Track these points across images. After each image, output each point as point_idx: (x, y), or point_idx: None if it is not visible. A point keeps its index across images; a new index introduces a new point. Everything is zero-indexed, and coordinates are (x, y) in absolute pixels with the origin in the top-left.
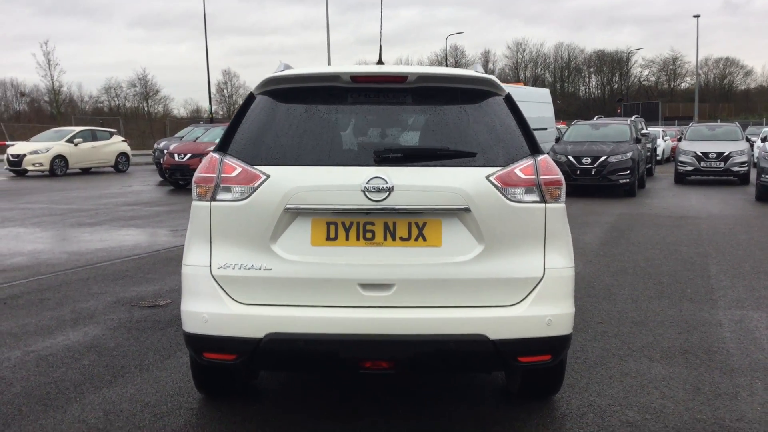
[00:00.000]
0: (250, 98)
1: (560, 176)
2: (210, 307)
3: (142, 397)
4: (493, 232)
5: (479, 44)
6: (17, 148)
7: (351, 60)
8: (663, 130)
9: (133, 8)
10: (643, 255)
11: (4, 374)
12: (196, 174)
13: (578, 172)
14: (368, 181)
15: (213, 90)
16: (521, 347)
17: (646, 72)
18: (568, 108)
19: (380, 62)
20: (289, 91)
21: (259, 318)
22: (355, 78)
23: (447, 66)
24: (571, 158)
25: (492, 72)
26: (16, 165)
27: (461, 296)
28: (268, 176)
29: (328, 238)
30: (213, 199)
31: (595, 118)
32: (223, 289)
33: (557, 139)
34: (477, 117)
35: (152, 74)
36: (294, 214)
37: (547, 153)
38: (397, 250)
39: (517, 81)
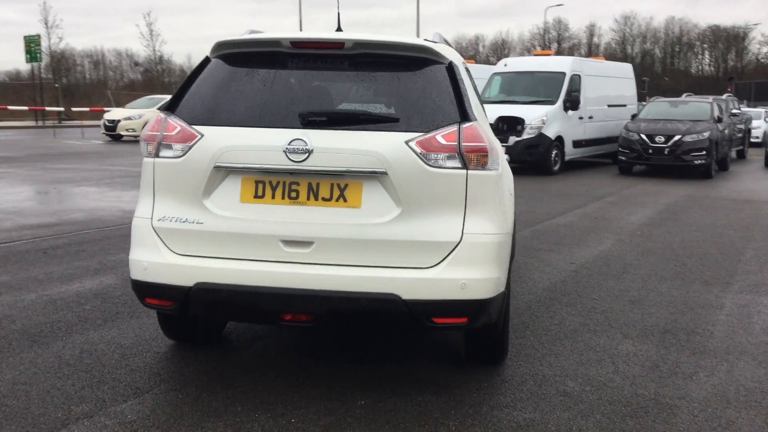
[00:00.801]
0: (205, 61)
1: (485, 144)
2: (149, 256)
3: (120, 340)
4: (410, 195)
5: (584, 17)
6: (113, 114)
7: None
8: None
9: None
10: (681, 237)
11: (11, 312)
12: (144, 132)
13: (650, 151)
14: (290, 142)
15: None
16: (434, 308)
17: (765, 49)
18: (677, 86)
19: (339, 29)
20: (237, 55)
21: (190, 268)
22: (295, 44)
23: (546, 40)
24: (643, 136)
25: (597, 47)
26: (111, 130)
27: (377, 256)
28: (202, 135)
29: (256, 196)
30: (156, 155)
31: (683, 96)
32: (162, 240)
33: (633, 117)
34: (410, 84)
35: None
36: (225, 172)
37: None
38: (318, 209)
39: (597, 55)
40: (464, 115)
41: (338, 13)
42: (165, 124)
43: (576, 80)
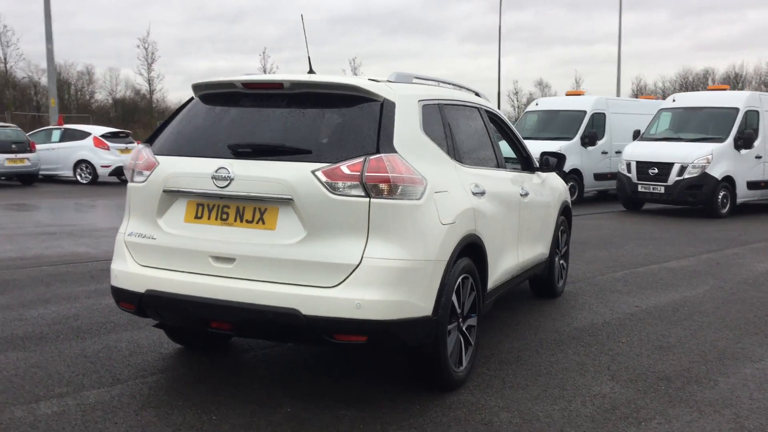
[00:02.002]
0: (190, 100)
1: (391, 175)
2: (120, 266)
3: (138, 341)
4: (315, 220)
5: None
6: None
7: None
8: None
9: (464, 24)
10: None
11: (78, 312)
12: (128, 160)
13: None
14: (216, 170)
15: (503, 101)
16: (333, 325)
17: None
18: None
19: (311, 71)
20: (206, 95)
21: (143, 277)
22: (245, 85)
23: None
24: None
25: None
26: None
27: (284, 274)
28: (158, 163)
29: (196, 217)
30: (131, 180)
31: None
32: (129, 252)
33: None
34: (336, 119)
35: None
36: (175, 195)
37: None
38: (242, 230)
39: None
40: (381, 148)
41: (309, 57)
42: (137, 154)
43: (753, 116)
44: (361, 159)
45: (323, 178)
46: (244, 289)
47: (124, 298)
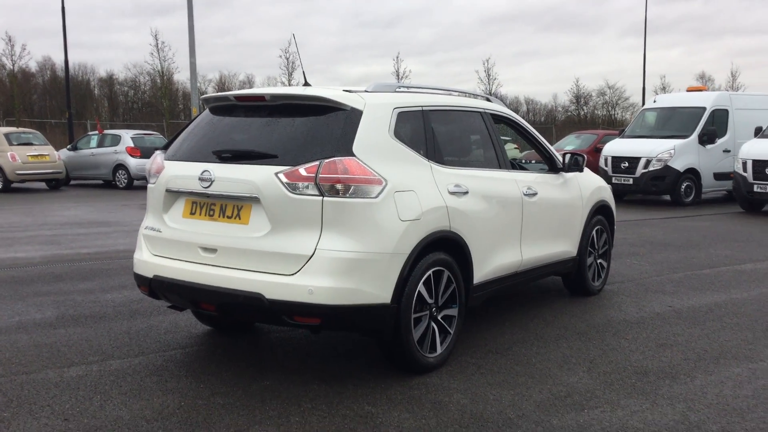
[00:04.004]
0: (204, 110)
1: (343, 176)
2: (138, 255)
3: (178, 322)
4: (277, 216)
5: None
6: None
7: None
8: None
9: (625, 18)
10: None
11: (143, 298)
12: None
13: None
14: (201, 173)
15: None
16: (291, 308)
17: None
18: None
19: (306, 84)
20: (213, 107)
21: (152, 264)
22: (237, 98)
23: None
24: None
25: None
26: None
27: (254, 263)
28: (164, 167)
29: (191, 213)
30: (148, 182)
31: None
32: (145, 243)
33: None
34: (305, 126)
35: (622, 82)
36: (175, 194)
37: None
38: (223, 224)
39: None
40: (337, 152)
41: (303, 71)
42: (153, 159)
43: (721, 114)
44: (317, 162)
45: (284, 179)
46: (222, 276)
47: (140, 282)
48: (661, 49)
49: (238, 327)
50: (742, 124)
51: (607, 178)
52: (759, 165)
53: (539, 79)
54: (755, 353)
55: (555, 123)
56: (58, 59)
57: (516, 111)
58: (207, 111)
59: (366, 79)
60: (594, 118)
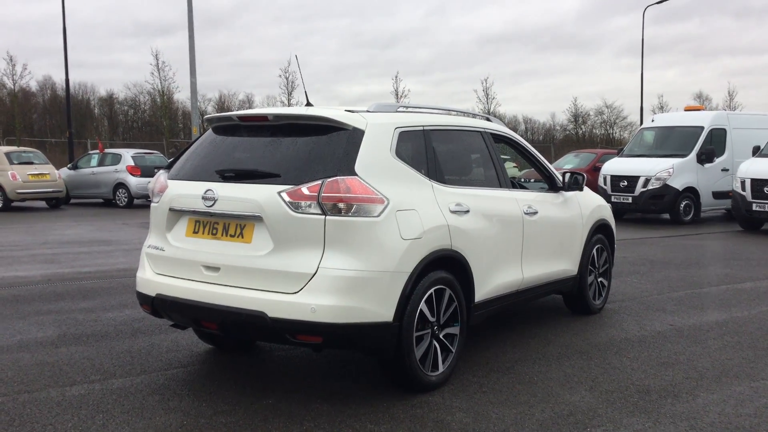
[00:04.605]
0: (206, 130)
1: (345, 195)
2: (141, 273)
3: (179, 341)
4: (280, 234)
5: None
6: None
7: None
8: None
9: (622, 38)
10: None
11: (144, 316)
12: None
13: None
14: (205, 192)
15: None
16: (294, 327)
17: None
18: None
19: (308, 104)
20: (216, 127)
21: (155, 283)
22: (240, 118)
23: None
24: None
25: None
26: None
27: (256, 281)
28: (167, 186)
29: (194, 232)
30: (151, 201)
31: None
32: (147, 262)
33: None
34: (308, 146)
35: (619, 101)
36: (178, 213)
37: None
38: (226, 243)
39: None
40: (340, 171)
41: (305, 92)
42: (157, 179)
43: (719, 134)
44: (319, 181)
45: (287, 198)
46: (225, 294)
47: (143, 300)
48: (659, 69)
49: (239, 346)
50: (740, 144)
51: (606, 197)
52: (757, 184)
53: (537, 98)
54: (757, 372)
55: (553, 142)
56: (59, 78)
57: (514, 130)
58: (210, 131)
59: (364, 98)
60: (592, 137)
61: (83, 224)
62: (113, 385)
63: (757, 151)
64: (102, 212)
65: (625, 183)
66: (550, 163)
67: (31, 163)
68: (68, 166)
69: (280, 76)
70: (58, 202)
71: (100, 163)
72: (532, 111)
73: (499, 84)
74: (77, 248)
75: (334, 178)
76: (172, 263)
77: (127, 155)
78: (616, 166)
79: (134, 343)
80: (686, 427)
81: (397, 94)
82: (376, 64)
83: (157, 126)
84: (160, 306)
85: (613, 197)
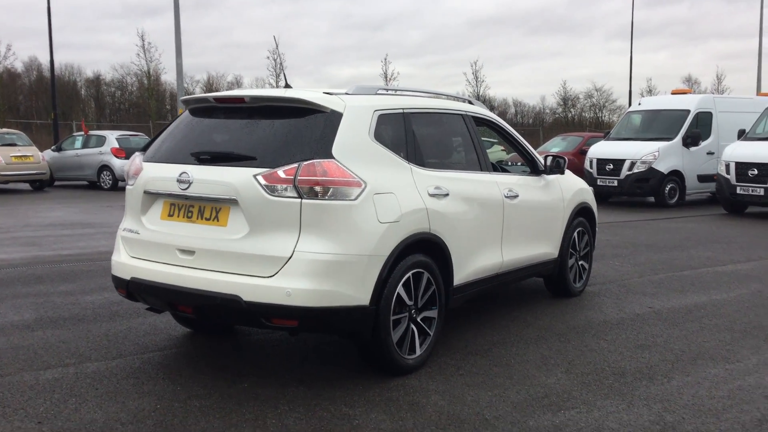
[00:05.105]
0: (184, 112)
1: (322, 178)
2: (116, 257)
3: (158, 324)
4: (256, 218)
5: None
6: None
7: None
8: None
9: (612, 21)
10: None
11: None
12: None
13: None
14: (180, 174)
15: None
16: (269, 310)
17: None
18: None
19: (287, 86)
20: (192, 109)
21: (130, 266)
22: (216, 99)
23: None
24: None
25: None
26: None
27: (231, 265)
28: (142, 169)
29: (169, 215)
30: (127, 183)
31: None
32: (122, 245)
33: None
34: (285, 128)
35: (609, 84)
36: (153, 196)
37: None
38: (201, 226)
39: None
40: (316, 154)
41: (284, 74)
42: (132, 161)
43: (705, 117)
44: (296, 164)
45: (262, 182)
46: (199, 278)
47: (118, 284)
48: (648, 52)
49: (217, 329)
50: (725, 127)
51: (592, 180)
52: (742, 167)
53: (527, 81)
54: (732, 354)
55: (543, 125)
56: (45, 59)
57: (504, 113)
58: (187, 112)
59: (355, 80)
60: (582, 120)
61: (67, 207)
62: (88, 368)
63: (742, 135)
64: (86, 194)
65: (611, 166)
66: (538, 146)
67: (15, 144)
68: (52, 148)
69: (268, 57)
70: (41, 184)
71: (84, 145)
72: (522, 94)
73: (491, 67)
74: (59, 231)
75: (311, 161)
76: (147, 246)
77: (112, 137)
78: (602, 149)
79: (111, 326)
80: (659, 409)
81: (386, 77)
82: (367, 46)
83: (144, 108)
84: (135, 290)
85: (598, 180)
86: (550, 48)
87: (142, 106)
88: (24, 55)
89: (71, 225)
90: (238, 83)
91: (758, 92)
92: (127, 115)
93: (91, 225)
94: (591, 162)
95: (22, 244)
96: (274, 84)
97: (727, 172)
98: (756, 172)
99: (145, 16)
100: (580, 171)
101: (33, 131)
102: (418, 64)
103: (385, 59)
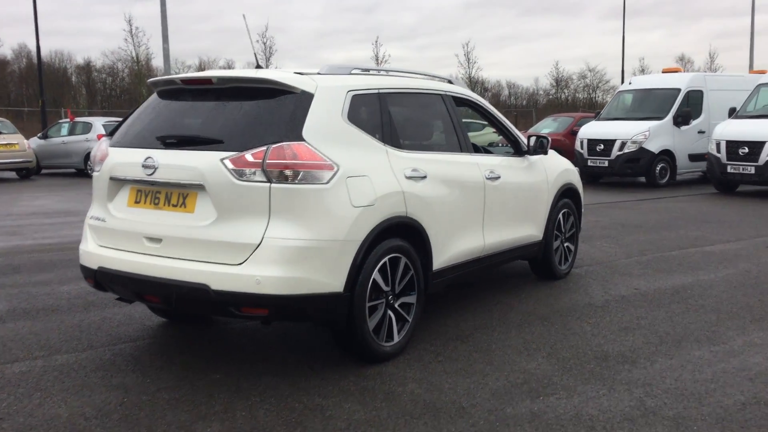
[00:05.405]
0: (152, 95)
1: (291, 162)
2: (83, 246)
3: (133, 314)
4: (223, 203)
5: None
6: None
7: None
8: None
9: (606, 1)
10: None
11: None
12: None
13: None
14: (145, 159)
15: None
16: (238, 299)
17: None
18: None
19: (258, 67)
20: (160, 91)
21: (97, 255)
22: (184, 81)
23: None
24: None
25: None
26: None
27: (199, 252)
28: (108, 155)
29: (136, 202)
30: (94, 170)
31: None
32: (90, 234)
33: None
34: (254, 110)
35: (603, 65)
36: (120, 182)
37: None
38: (168, 213)
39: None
40: (286, 137)
41: (255, 54)
42: (98, 146)
43: (696, 96)
44: (264, 147)
45: (230, 166)
46: (167, 267)
47: (86, 274)
48: (642, 31)
49: (193, 319)
50: (716, 106)
51: (583, 161)
52: (732, 146)
53: (521, 63)
54: (717, 336)
55: (536, 106)
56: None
57: (498, 95)
58: (155, 95)
59: (348, 64)
60: (575, 101)
61: (51, 195)
62: (57, 361)
63: (733, 113)
64: (72, 182)
65: (602, 146)
66: (530, 127)
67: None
68: (38, 135)
69: (258, 41)
70: (28, 172)
71: (71, 132)
72: (516, 76)
73: (485, 48)
74: (42, 219)
75: (280, 144)
76: (114, 235)
77: (98, 124)
78: (592, 129)
79: (86, 317)
80: (641, 394)
81: (377, 59)
82: (360, 29)
83: (135, 94)
84: (103, 279)
85: (589, 161)
86: (544, 29)
87: (133, 92)
88: (13, 42)
89: (54, 213)
90: (229, 67)
91: (750, 70)
92: (119, 102)
93: (74, 213)
94: (581, 142)
95: (3, 233)
96: (264, 68)
97: (718, 150)
98: (747, 150)
99: (136, 1)
100: (571, 152)
101: (24, 119)
102: (411, 46)
103: (376, 41)
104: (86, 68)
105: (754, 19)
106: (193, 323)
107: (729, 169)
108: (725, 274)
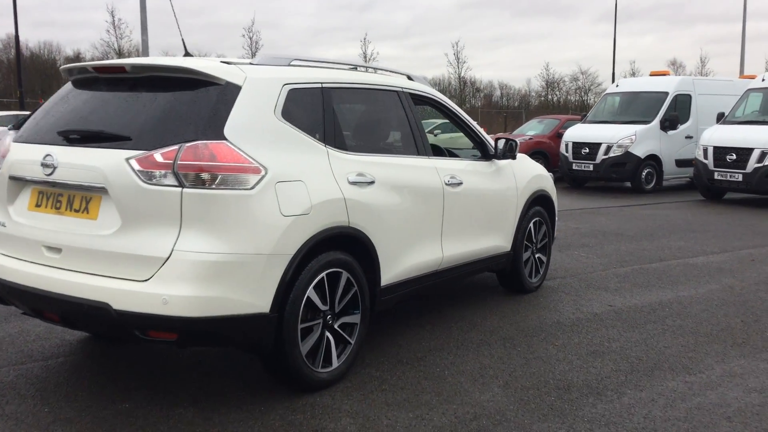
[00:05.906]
0: (66, 85)
1: (208, 164)
2: None
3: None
4: (128, 210)
5: None
6: None
7: None
8: None
9: (598, 4)
10: None
11: None
12: None
13: None
14: (44, 157)
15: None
16: (141, 321)
17: None
18: None
19: (186, 54)
20: (75, 80)
21: None
22: (96, 69)
23: None
24: None
25: None
26: None
27: (101, 266)
28: (10, 151)
29: (36, 205)
30: None
31: None
32: None
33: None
34: (169, 103)
35: (595, 67)
36: (21, 182)
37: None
38: (70, 219)
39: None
40: (203, 134)
41: (182, 39)
42: (1, 141)
43: (684, 99)
44: (176, 146)
45: (136, 167)
46: (65, 281)
47: None
48: (635, 35)
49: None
50: (705, 110)
51: (568, 164)
52: (720, 152)
53: (515, 64)
54: (694, 363)
55: (528, 108)
56: (23, 37)
57: (490, 96)
58: (69, 84)
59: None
60: (567, 103)
61: None
62: None
63: (721, 118)
64: None
65: (587, 150)
66: (515, 129)
67: None
68: (9, 126)
69: (243, 36)
70: None
71: None
72: (509, 77)
73: (478, 49)
74: None
75: (195, 143)
76: (14, 242)
77: None
78: (578, 132)
79: (2, 329)
80: None
81: (365, 58)
82: (354, 27)
83: None
84: (1, 292)
85: (574, 165)
86: (537, 30)
87: None
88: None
89: None
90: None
91: (741, 75)
92: None
93: None
94: (567, 145)
95: None
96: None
97: (705, 156)
98: (734, 157)
99: None
100: (556, 155)
101: (12, 110)
102: (405, 45)
103: (365, 39)
104: (75, 60)
105: (746, 25)
106: (119, 340)
107: (716, 176)
108: (707, 290)
